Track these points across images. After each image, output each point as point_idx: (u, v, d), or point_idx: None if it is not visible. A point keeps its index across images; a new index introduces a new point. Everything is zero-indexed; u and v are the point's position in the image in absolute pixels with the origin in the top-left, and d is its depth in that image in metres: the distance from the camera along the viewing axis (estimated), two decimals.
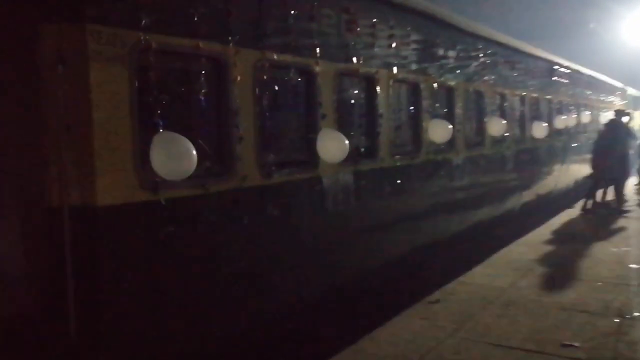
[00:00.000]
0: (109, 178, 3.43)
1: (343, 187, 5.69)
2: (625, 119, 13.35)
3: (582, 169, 16.71)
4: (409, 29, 6.92)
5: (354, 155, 5.88)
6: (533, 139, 11.81)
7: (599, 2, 27.41)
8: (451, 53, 8.21)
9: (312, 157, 5.16)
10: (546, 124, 12.52)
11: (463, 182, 8.63)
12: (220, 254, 4.26)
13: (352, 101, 5.91)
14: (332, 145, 4.99)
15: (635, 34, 28.67)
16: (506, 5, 29.04)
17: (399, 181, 6.73)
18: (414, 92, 7.27)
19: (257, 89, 4.55)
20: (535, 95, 12.09)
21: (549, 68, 13.32)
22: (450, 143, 8.21)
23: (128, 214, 3.52)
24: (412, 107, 7.27)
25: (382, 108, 6.36)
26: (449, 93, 8.25)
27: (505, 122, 9.70)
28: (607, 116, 19.34)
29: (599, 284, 7.51)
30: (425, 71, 7.43)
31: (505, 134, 10.32)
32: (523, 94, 11.35)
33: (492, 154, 9.81)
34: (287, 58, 4.88)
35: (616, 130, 12.65)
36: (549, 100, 13.22)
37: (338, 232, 5.71)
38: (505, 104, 10.36)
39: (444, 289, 7.37)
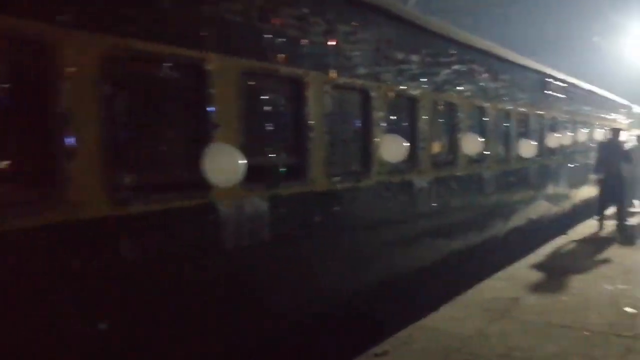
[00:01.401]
0: None
1: (252, 217, 4.49)
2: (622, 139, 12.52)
3: (580, 192, 15.47)
4: (354, 24, 5.77)
5: (269, 177, 4.70)
6: (520, 158, 10.58)
7: (603, 15, 26.22)
8: (414, 57, 7.04)
9: (202, 179, 3.97)
10: (536, 142, 11.34)
11: (428, 206, 7.42)
12: (29, 312, 3.06)
13: (269, 108, 4.73)
14: (221, 164, 3.81)
15: (639, 51, 27.39)
16: (505, 18, 27.96)
17: (337, 208, 5.53)
18: (363, 101, 6.10)
19: (105, 88, 3.40)
20: (523, 110, 10.88)
21: (541, 80, 12.13)
22: (412, 162, 7.02)
23: None
24: (358, 119, 6.09)
25: (313, 119, 5.19)
26: (411, 104, 7.07)
27: (482, 139, 8.50)
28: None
29: (586, 333, 6.27)
30: (378, 77, 6.27)
31: (485, 153, 9.13)
32: (508, 108, 10.15)
33: (467, 175, 8.59)
34: (160, 48, 3.72)
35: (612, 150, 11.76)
36: (541, 116, 12.00)
37: (242, 277, 4.49)
38: (485, 119, 9.16)
39: (398, 337, 6.16)
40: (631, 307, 7.16)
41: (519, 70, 10.81)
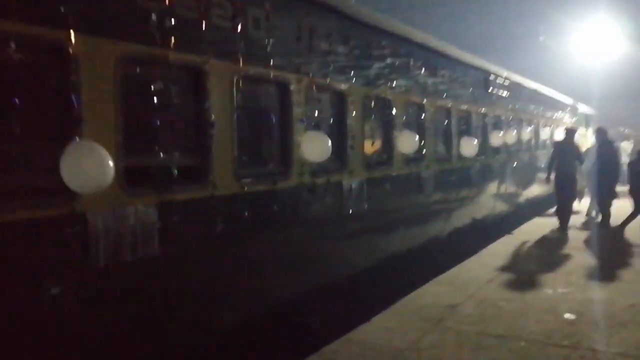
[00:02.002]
0: None
1: (136, 229, 3.85)
2: (576, 138, 12.60)
3: (525, 191, 15.34)
4: (269, 9, 5.17)
5: (160, 180, 4.07)
6: (462, 157, 10.22)
7: (549, 14, 26.43)
8: (343, 49, 6.51)
9: (63, 185, 3.29)
10: (479, 141, 11.03)
11: (359, 208, 6.90)
12: None
13: (158, 101, 4.07)
14: (82, 167, 3.16)
15: (584, 50, 27.70)
16: (453, 17, 27.91)
17: (247, 213, 4.93)
18: (281, 94, 5.53)
19: None
20: (464, 107, 10.52)
21: (484, 78, 11.82)
22: (340, 162, 6.49)
23: None
24: (276, 115, 5.51)
25: (216, 113, 4.58)
26: (338, 99, 6.53)
27: (420, 137, 8.06)
28: (555, 133, 18.32)
29: (522, 344, 5.88)
30: (299, 68, 5.70)
31: (423, 152, 8.69)
32: (448, 105, 9.75)
33: (404, 175, 8.13)
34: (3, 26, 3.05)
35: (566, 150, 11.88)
36: (484, 114, 11.70)
37: (121, 300, 3.82)
38: (423, 116, 8.72)
39: (322, 353, 5.63)
40: (571, 313, 6.84)
41: (461, 67, 10.45)
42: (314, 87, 5.88)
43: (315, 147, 5.55)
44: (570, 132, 12.25)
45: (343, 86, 6.51)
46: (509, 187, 13.66)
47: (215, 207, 4.51)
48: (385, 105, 7.67)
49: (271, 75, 5.29)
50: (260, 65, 5.12)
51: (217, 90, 4.56)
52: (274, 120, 5.46)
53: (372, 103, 7.16)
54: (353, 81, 6.66)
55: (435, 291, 7.88)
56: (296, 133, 5.58)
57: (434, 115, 9.07)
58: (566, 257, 10.06)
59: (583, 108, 25.06)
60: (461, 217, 10.72)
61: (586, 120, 25.68)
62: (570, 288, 8.05)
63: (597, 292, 7.83)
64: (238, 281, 4.85)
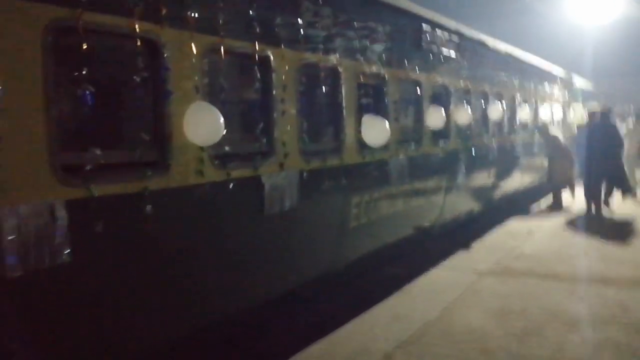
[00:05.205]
0: None
1: None
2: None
3: (492, 187, 11.71)
4: None
5: None
6: (365, 148, 6.55)
7: None
8: None
9: None
10: (400, 122, 7.43)
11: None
12: None
13: None
14: None
15: (578, 13, 23.34)
16: None
17: None
18: None
19: None
20: (373, 69, 6.79)
21: (415, 29, 8.08)
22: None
23: None
24: None
25: None
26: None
27: (220, 114, 4.42)
28: (541, 112, 14.62)
29: None
30: None
31: (282, 144, 5.07)
32: (333, 63, 6.01)
33: (207, 185, 4.46)
34: None
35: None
36: (417, 82, 8.00)
37: None
38: (266, 81, 5.02)
39: None
40: None
41: (365, 5, 6.74)
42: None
43: None
44: (592, 115, 12.50)
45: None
46: (465, 184, 9.96)
47: None
48: (233, 63, 4.11)
49: None
50: None
51: None
52: None
53: (204, 57, 3.51)
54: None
55: None
56: None
57: (295, 78, 5.36)
58: (541, 294, 6.43)
59: (579, 82, 21.17)
60: (388, 235, 7.10)
61: (583, 97, 21.87)
62: None
63: None
64: None
